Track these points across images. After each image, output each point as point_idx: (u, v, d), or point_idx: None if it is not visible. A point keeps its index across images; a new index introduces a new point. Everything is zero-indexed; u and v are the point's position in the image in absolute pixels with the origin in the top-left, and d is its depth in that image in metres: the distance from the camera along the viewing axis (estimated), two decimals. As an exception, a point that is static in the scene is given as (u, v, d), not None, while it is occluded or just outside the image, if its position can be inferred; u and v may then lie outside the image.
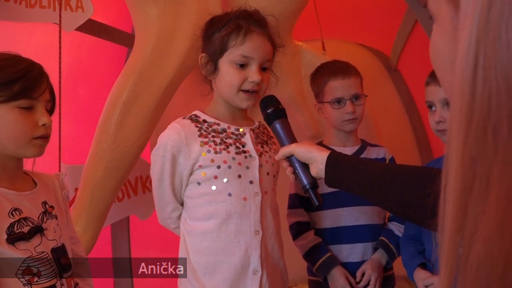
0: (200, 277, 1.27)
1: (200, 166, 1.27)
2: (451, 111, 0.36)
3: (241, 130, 1.33)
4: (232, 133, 1.31)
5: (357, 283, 1.60)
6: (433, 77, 1.41)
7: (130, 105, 1.91)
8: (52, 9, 1.89)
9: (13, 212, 1.10)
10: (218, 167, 1.26)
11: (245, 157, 1.29)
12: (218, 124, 1.31)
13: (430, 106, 1.44)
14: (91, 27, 2.14)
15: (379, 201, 0.99)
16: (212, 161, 1.26)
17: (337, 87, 1.64)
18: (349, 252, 1.64)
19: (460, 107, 0.34)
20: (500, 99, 0.31)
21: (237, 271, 1.26)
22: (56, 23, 1.86)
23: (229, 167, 1.27)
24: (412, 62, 3.09)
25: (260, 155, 1.32)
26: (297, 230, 1.67)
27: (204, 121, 1.31)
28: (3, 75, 1.09)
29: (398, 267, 1.65)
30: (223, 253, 1.26)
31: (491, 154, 0.32)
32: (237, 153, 1.29)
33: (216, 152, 1.27)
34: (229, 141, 1.29)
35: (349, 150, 1.70)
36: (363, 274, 1.61)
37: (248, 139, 1.32)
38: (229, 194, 1.26)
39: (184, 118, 1.32)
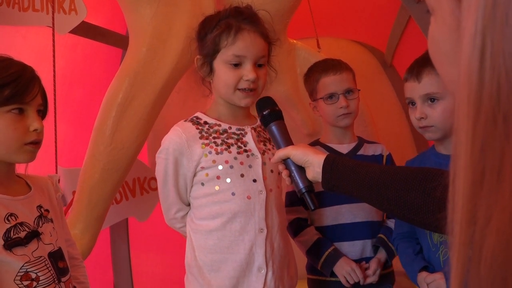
0: (205, 274, 1.29)
1: (202, 168, 1.28)
2: (456, 102, 0.35)
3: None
4: (234, 133, 1.33)
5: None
6: (410, 73, 1.39)
7: (125, 107, 1.91)
8: (45, 12, 1.88)
9: (9, 218, 1.08)
10: (220, 167, 1.28)
11: (247, 156, 1.31)
12: (219, 125, 1.33)
13: (410, 103, 1.41)
14: (85, 30, 2.13)
15: (379, 203, 0.98)
16: (214, 162, 1.28)
17: (329, 82, 1.65)
18: (348, 249, 1.63)
19: (467, 96, 0.33)
20: (510, 85, 0.30)
21: (242, 268, 1.28)
22: (50, 26, 1.85)
23: (231, 167, 1.28)
24: (407, 58, 3.07)
25: (262, 153, 1.33)
26: (298, 226, 1.66)
27: (205, 122, 1.33)
28: None
29: (398, 263, 1.65)
30: (228, 251, 1.28)
31: (502, 142, 0.31)
32: (238, 153, 1.30)
33: (217, 153, 1.28)
34: (230, 141, 1.31)
35: (346, 147, 1.69)
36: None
37: (249, 138, 1.33)
38: (233, 194, 1.28)
39: (185, 120, 1.34)
